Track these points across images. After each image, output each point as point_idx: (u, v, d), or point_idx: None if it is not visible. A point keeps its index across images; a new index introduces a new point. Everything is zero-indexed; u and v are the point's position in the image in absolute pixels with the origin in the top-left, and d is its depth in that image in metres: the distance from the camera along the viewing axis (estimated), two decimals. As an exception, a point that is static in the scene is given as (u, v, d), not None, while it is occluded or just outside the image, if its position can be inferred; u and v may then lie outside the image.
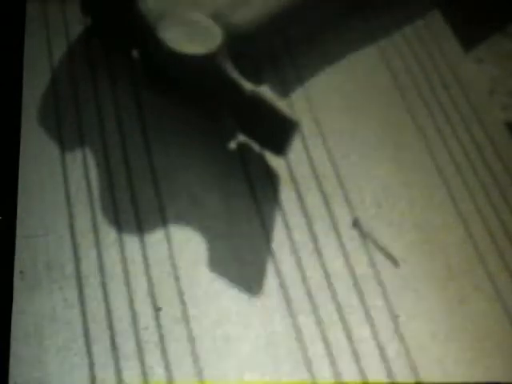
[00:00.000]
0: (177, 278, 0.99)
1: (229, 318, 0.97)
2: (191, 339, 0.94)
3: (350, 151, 1.14)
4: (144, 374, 0.92)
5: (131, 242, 1.02)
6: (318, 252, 1.04)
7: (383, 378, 0.94)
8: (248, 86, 1.08)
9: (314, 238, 1.05)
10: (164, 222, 1.04)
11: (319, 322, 0.98)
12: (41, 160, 1.08)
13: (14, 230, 1.01)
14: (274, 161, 1.11)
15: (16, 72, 1.16)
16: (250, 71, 1.13)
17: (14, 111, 1.12)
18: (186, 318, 0.96)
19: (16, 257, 0.99)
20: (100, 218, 1.03)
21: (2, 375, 0.89)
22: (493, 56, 1.29)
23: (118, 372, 0.91)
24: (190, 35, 1.11)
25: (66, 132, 1.11)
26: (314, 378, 0.93)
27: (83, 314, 0.95)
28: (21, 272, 0.98)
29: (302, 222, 1.06)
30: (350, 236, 1.06)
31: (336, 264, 1.03)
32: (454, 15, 1.31)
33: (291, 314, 0.98)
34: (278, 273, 1.01)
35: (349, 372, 0.94)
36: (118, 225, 1.03)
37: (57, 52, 1.20)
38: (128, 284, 0.98)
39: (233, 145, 1.13)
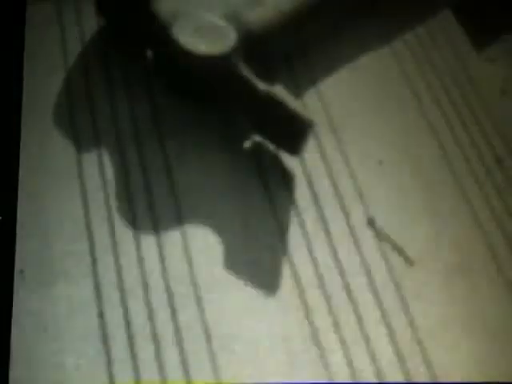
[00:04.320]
0: (193, 278, 0.99)
1: (245, 319, 0.97)
2: (208, 340, 0.94)
3: (365, 151, 1.14)
4: (161, 374, 0.92)
5: (147, 242, 1.01)
6: (334, 251, 1.03)
7: (399, 378, 0.94)
8: (262, 86, 1.08)
9: (330, 238, 1.04)
10: (180, 222, 1.03)
11: (335, 322, 0.97)
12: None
13: (14, 229, 1.00)
14: (289, 160, 1.11)
15: (19, 71, 1.16)
16: (264, 72, 1.13)
17: (14, 113, 1.12)
18: (202, 319, 0.96)
19: (16, 257, 0.98)
20: (116, 218, 1.03)
21: (2, 375, 0.89)
22: (505, 56, 1.28)
23: (135, 372, 0.91)
24: (204, 35, 1.11)
25: (79, 132, 1.11)
26: (330, 378, 0.93)
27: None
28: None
29: (317, 222, 1.05)
30: (365, 235, 1.06)
31: (351, 263, 1.02)
32: (466, 15, 1.31)
33: (307, 314, 0.97)
34: (294, 273, 1.01)
35: (365, 372, 0.94)
36: (135, 226, 1.03)
37: (71, 52, 1.19)
38: (145, 285, 0.98)
39: (247, 145, 1.13)
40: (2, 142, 1.08)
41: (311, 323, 0.97)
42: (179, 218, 1.04)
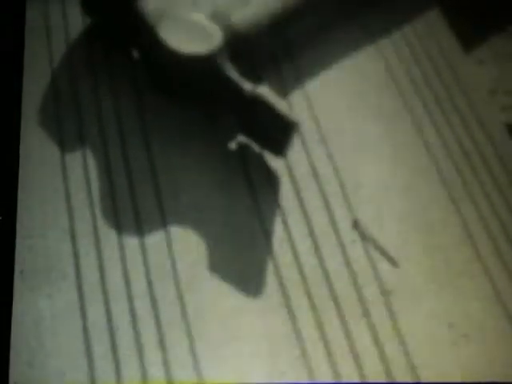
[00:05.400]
0: (176, 280, 0.99)
1: (229, 319, 0.97)
2: (191, 340, 0.95)
3: (350, 151, 1.14)
4: (144, 374, 0.92)
5: (131, 243, 1.02)
6: (318, 252, 1.04)
7: (382, 377, 0.94)
8: (248, 86, 1.08)
9: (314, 239, 1.05)
10: (164, 223, 1.04)
11: (318, 322, 0.98)
12: (41, 160, 1.08)
13: (14, 229, 1.01)
14: (274, 161, 1.11)
15: (16, 72, 1.16)
16: (250, 71, 1.12)
17: (14, 112, 1.12)
18: (185, 319, 0.96)
19: (16, 257, 0.99)
20: (100, 219, 1.03)
21: (2, 375, 0.90)
22: (493, 57, 1.28)
23: (118, 372, 0.91)
24: (190, 35, 1.11)
25: (66, 132, 1.12)
26: (313, 378, 0.94)
27: (83, 314, 0.95)
28: (21, 272, 0.98)
29: (301, 222, 1.06)
30: (350, 237, 1.06)
31: (335, 264, 1.03)
32: (455, 15, 1.31)
33: (291, 314, 0.98)
34: (278, 273, 1.01)
35: (348, 371, 0.94)
36: (118, 226, 1.03)
37: (57, 52, 1.20)
38: (128, 285, 0.98)
39: (233, 145, 1.13)
40: (1, 142, 1.09)
41: (294, 323, 0.97)
42: (163, 218, 1.04)
